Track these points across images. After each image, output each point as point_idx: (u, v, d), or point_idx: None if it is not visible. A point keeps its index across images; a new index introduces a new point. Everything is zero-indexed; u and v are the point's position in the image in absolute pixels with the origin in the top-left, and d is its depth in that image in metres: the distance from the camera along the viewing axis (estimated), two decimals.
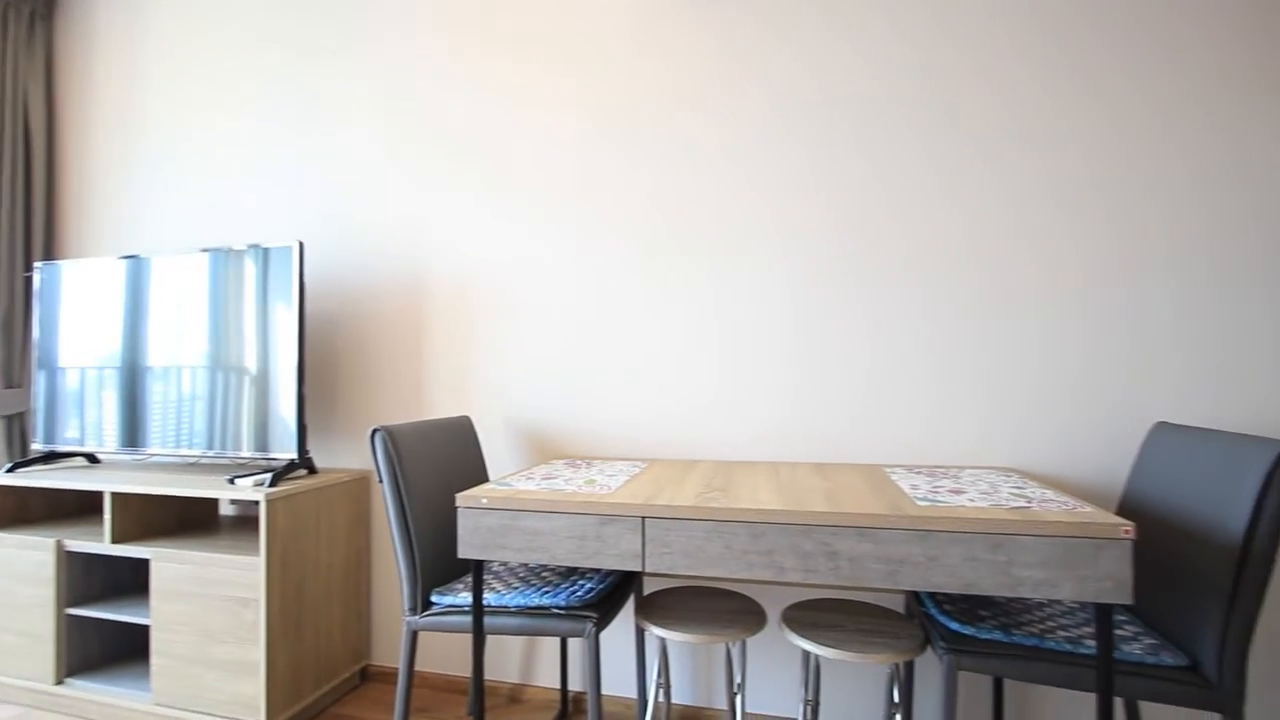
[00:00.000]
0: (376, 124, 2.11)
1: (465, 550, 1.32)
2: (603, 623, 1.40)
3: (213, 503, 2.18)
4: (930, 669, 1.66)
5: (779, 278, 1.79)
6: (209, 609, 1.73)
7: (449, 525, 1.63)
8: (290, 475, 1.88)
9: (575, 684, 1.93)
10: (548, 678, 1.95)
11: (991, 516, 1.10)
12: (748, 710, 1.79)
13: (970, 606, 1.34)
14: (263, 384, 1.87)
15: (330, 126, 2.16)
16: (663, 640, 1.43)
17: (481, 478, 1.86)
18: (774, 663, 1.77)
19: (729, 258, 1.82)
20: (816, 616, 1.38)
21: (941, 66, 1.69)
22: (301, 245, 1.83)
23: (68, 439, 2.10)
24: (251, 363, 1.89)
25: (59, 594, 1.88)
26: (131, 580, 2.07)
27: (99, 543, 1.84)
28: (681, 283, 1.86)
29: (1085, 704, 1.59)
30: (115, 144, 2.42)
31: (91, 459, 2.22)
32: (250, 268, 1.90)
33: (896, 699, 1.38)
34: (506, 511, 1.29)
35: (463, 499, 1.32)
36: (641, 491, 1.34)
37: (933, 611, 1.32)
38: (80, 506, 2.24)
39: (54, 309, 2.12)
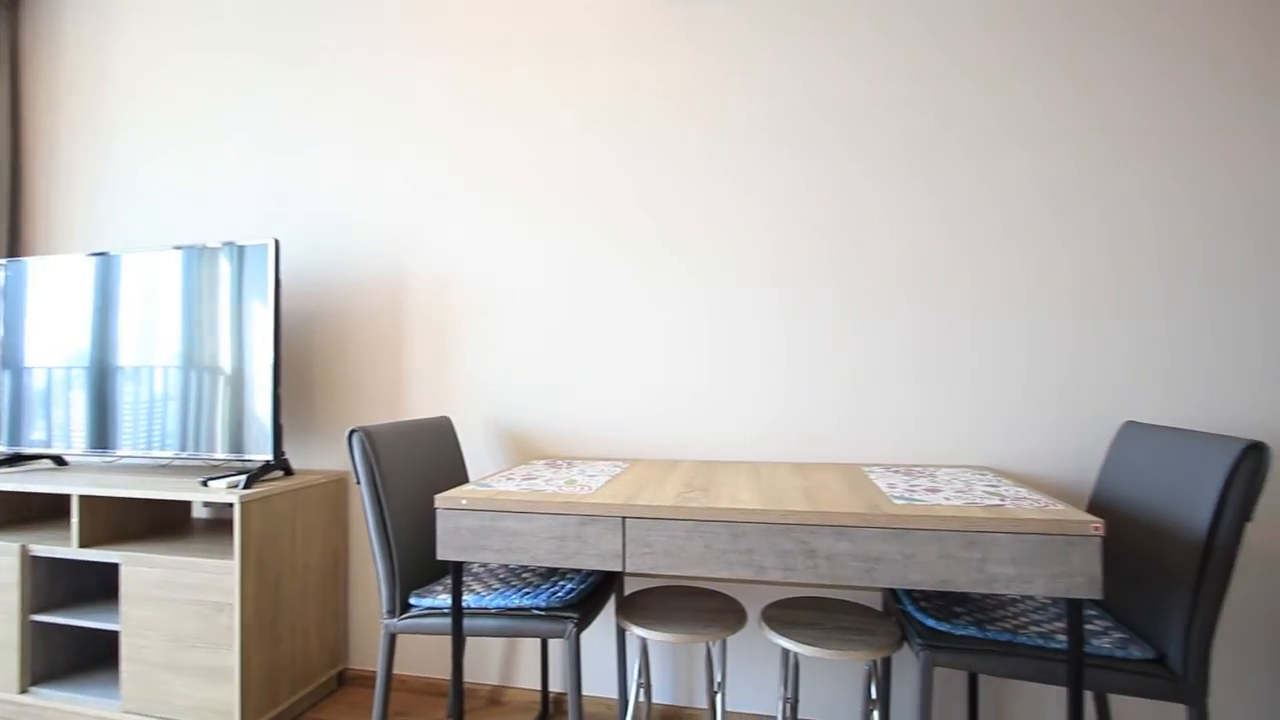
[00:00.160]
0: (356, 121, 2.09)
1: (444, 552, 1.31)
2: (583, 623, 1.40)
3: (185, 505, 2.13)
4: (907, 665, 1.69)
5: (763, 279, 1.80)
6: (181, 614, 1.69)
7: (428, 527, 1.62)
8: (266, 477, 1.85)
9: (556, 685, 1.92)
10: (528, 679, 1.95)
11: (966, 514, 1.12)
12: (728, 709, 1.80)
13: (946, 603, 1.36)
14: (238, 384, 1.84)
15: (308, 123, 2.13)
16: (643, 640, 1.44)
17: (461, 479, 1.85)
18: (754, 661, 1.79)
19: (714, 258, 1.83)
20: (796, 615, 1.40)
21: (929, 68, 1.71)
22: (277, 243, 1.81)
23: (33, 441, 2.04)
24: (226, 362, 1.85)
25: (23, 600, 1.83)
26: (100, 585, 2.02)
27: (66, 547, 1.79)
28: (665, 283, 1.86)
29: (1057, 697, 1.63)
30: (84, 141, 2.36)
31: (59, 461, 2.16)
32: (225, 265, 1.86)
33: (874, 695, 1.39)
34: (486, 512, 1.29)
35: (442, 500, 1.31)
36: (622, 492, 1.34)
37: (909, 608, 1.34)
38: (46, 510, 2.19)
39: (19, 307, 2.07)
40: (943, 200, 1.70)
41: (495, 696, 1.96)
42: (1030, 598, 1.40)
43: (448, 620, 1.43)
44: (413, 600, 1.49)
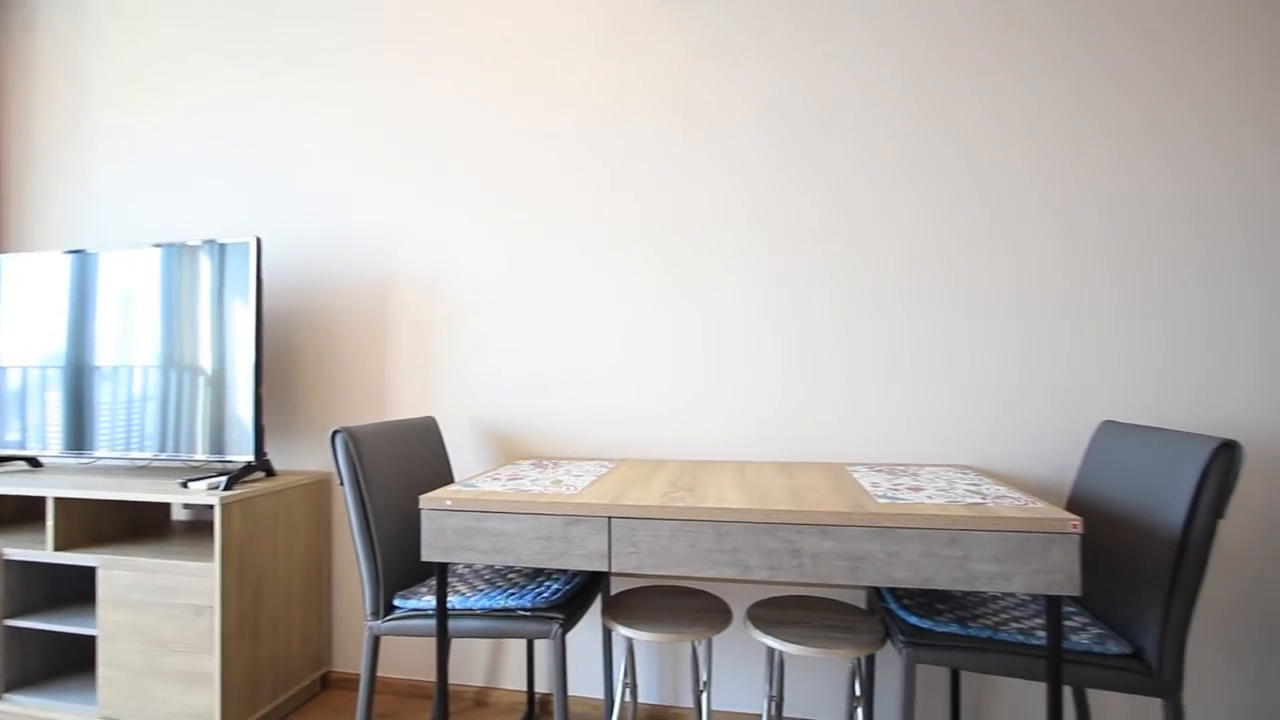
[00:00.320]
0: (341, 120, 2.07)
1: (429, 553, 1.30)
2: (569, 624, 1.40)
3: (164, 507, 2.10)
4: (891, 662, 1.70)
5: (751, 280, 1.81)
6: (160, 618, 1.67)
7: (413, 528, 1.61)
8: (247, 478, 1.83)
9: (542, 686, 1.92)
10: (514, 680, 1.94)
11: (948, 513, 1.13)
12: (713, 708, 1.80)
13: (928, 601, 1.37)
14: (218, 384, 1.82)
15: (290, 122, 2.11)
16: (629, 640, 1.44)
17: (447, 479, 1.83)
18: (739, 660, 1.79)
19: (701, 259, 1.84)
20: (781, 614, 1.40)
21: (920, 67, 1.73)
22: (259, 241, 1.78)
23: (8, 442, 2.00)
24: (207, 362, 1.83)
25: None
26: (76, 589, 1.99)
27: (40, 550, 1.76)
28: (653, 283, 1.86)
29: (1037, 692, 1.65)
30: (60, 136, 2.32)
31: (33, 463, 2.12)
32: (206, 264, 1.84)
33: (858, 692, 1.41)
34: (471, 513, 1.28)
35: (426, 501, 1.30)
36: (608, 491, 1.34)
37: (892, 606, 1.36)
38: (20, 513, 2.14)
39: None
40: (930, 203, 1.72)
41: (481, 698, 1.95)
42: (1011, 595, 1.42)
43: (432, 622, 1.42)
44: (397, 602, 1.48)
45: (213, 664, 1.63)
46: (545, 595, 1.41)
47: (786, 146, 1.79)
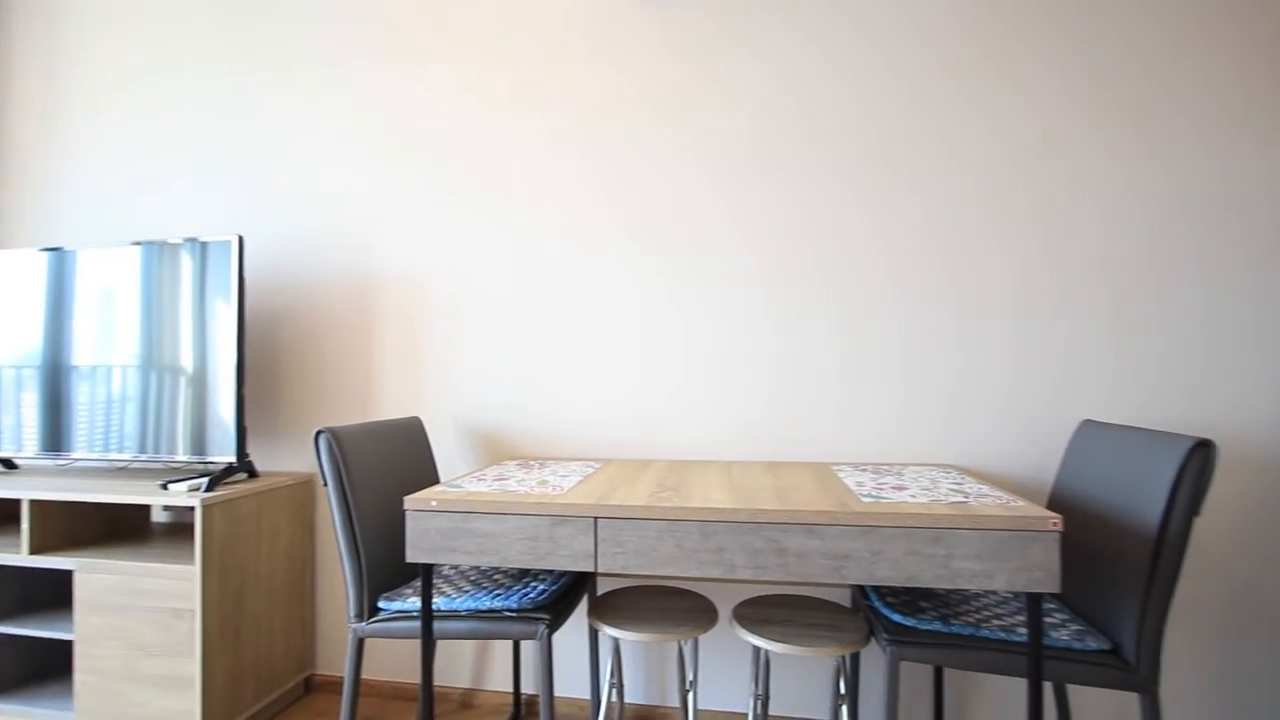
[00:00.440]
0: (325, 119, 2.05)
1: (414, 554, 1.29)
2: (555, 624, 1.39)
3: (144, 509, 2.07)
4: (875, 660, 1.72)
5: (736, 280, 1.81)
6: (139, 621, 1.64)
7: (397, 529, 1.60)
8: (229, 479, 1.81)
9: (528, 687, 1.91)
10: (500, 681, 1.93)
11: (931, 512, 1.14)
12: (700, 707, 1.81)
13: (912, 599, 1.38)
14: (200, 384, 1.79)
15: (274, 118, 2.08)
16: (616, 640, 1.44)
17: (432, 480, 1.82)
18: (726, 659, 1.80)
19: (688, 259, 1.84)
20: (767, 612, 1.41)
21: (909, 68, 1.74)
22: (241, 239, 1.76)
23: None
24: (188, 361, 1.80)
25: None
26: (52, 593, 1.95)
27: (15, 554, 1.72)
28: (638, 284, 1.86)
29: (1019, 687, 1.67)
30: (36, 131, 2.27)
31: (8, 464, 2.08)
32: (187, 262, 1.81)
33: (843, 690, 1.42)
34: (457, 514, 1.27)
35: (411, 502, 1.29)
36: (594, 492, 1.34)
37: (877, 604, 1.37)
38: None
39: None
40: (916, 204, 1.73)
41: (467, 700, 1.94)
42: (993, 592, 1.43)
43: (417, 623, 1.41)
44: (381, 604, 1.47)
45: (193, 668, 1.61)
46: (531, 596, 1.41)
47: (774, 146, 1.79)
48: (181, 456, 1.80)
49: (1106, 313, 1.64)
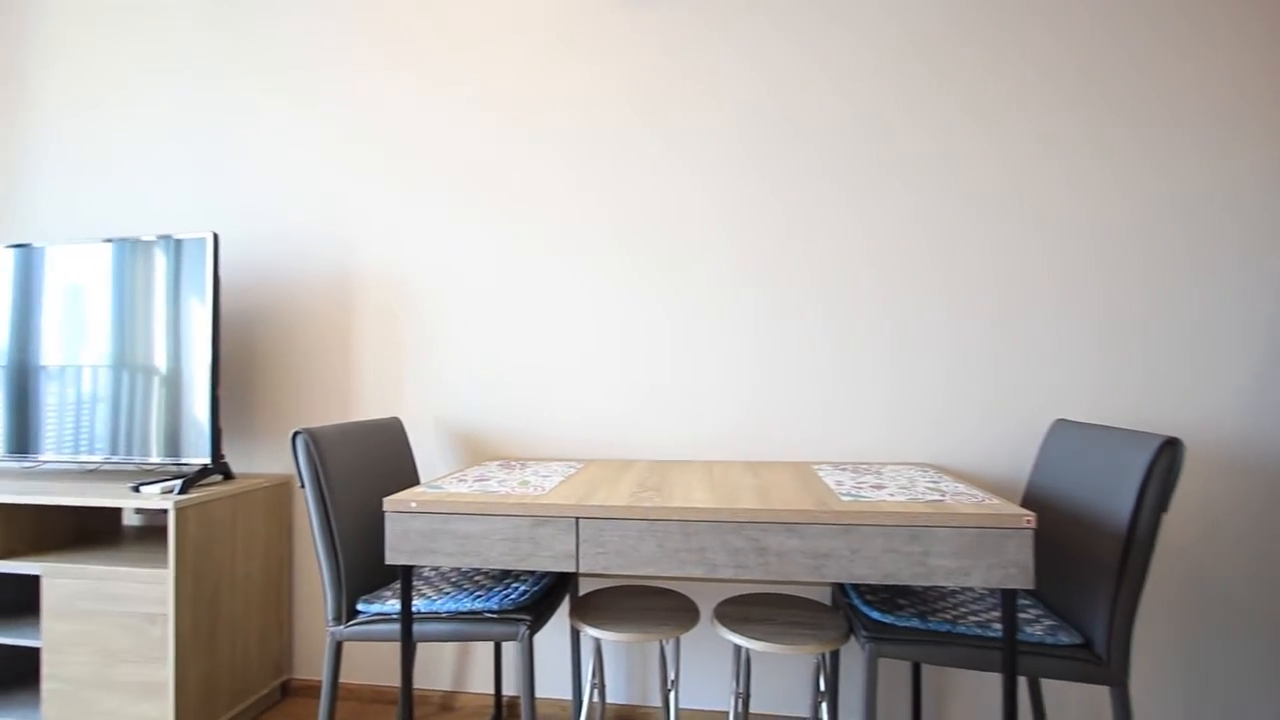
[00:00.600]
0: (302, 116, 2.02)
1: (393, 556, 1.28)
2: (537, 625, 1.39)
3: (115, 513, 2.02)
4: (855, 657, 1.73)
5: (718, 281, 1.82)
6: (110, 627, 1.60)
7: (376, 531, 1.58)
8: (203, 481, 1.78)
9: (510, 688, 1.90)
10: (481, 683, 1.92)
11: (909, 510, 1.16)
12: (681, 706, 1.81)
13: (890, 596, 1.40)
14: (174, 384, 1.76)
15: (252, 117, 2.05)
16: (597, 640, 1.44)
17: (412, 481, 1.81)
18: (707, 658, 1.81)
19: (670, 260, 1.84)
20: (747, 611, 1.42)
21: (892, 68, 1.76)
22: (216, 236, 1.73)
23: None
24: (161, 361, 1.77)
25: None
26: (18, 599, 1.90)
27: None
28: (620, 284, 1.86)
29: (995, 682, 1.70)
30: (2, 126, 2.21)
31: None
32: (160, 259, 1.78)
33: (823, 687, 1.43)
34: (437, 515, 1.26)
35: (390, 503, 1.28)
36: (575, 492, 1.34)
37: (856, 602, 1.38)
38: None
39: None
40: (899, 206, 1.75)
41: (447, 702, 1.93)
42: (969, 589, 1.46)
43: (396, 626, 1.40)
44: (360, 606, 1.46)
45: (166, 673, 1.58)
46: (512, 597, 1.40)
47: (758, 146, 1.81)
48: (154, 458, 1.77)
49: (1080, 315, 1.68)
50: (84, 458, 1.81)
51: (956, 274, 1.72)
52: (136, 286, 1.79)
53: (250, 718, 1.85)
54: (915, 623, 1.27)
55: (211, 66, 2.08)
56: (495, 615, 1.38)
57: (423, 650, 1.95)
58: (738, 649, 1.42)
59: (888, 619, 1.29)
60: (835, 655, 1.63)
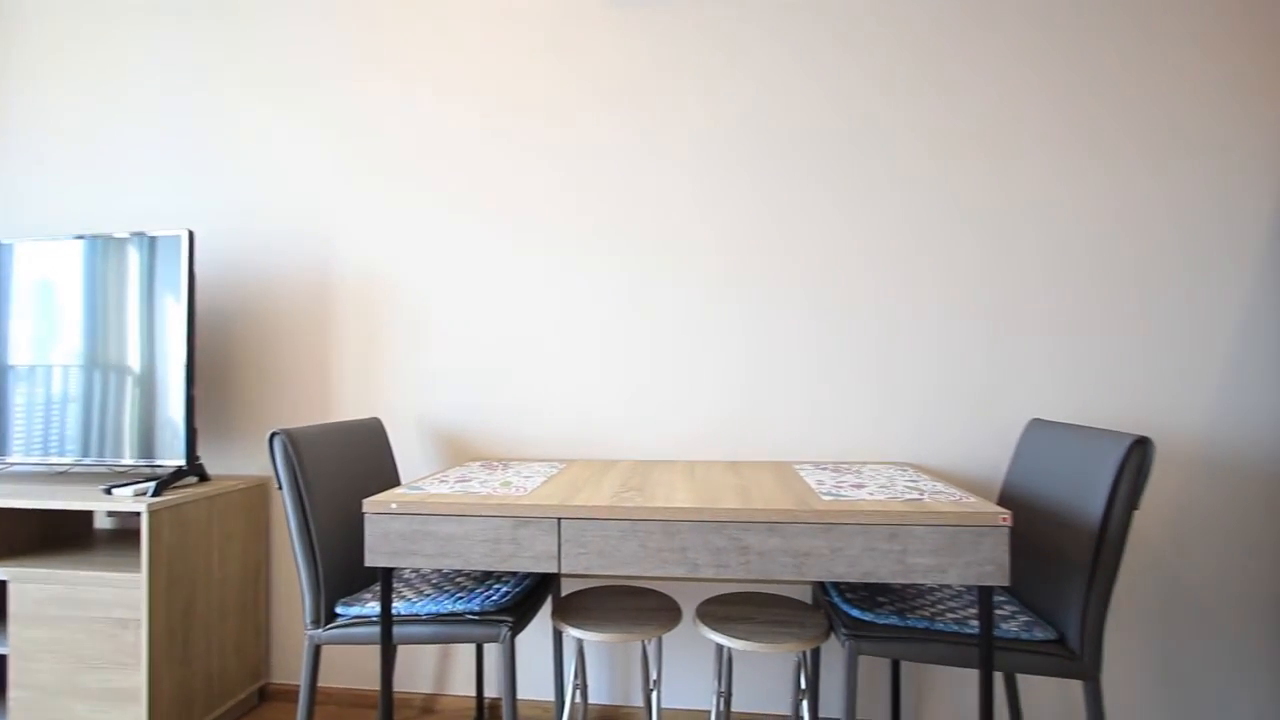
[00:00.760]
0: (280, 111, 1.99)
1: (373, 558, 1.26)
2: (518, 626, 1.38)
3: (86, 516, 1.98)
4: (835, 655, 1.75)
5: (700, 282, 1.83)
6: (81, 633, 1.57)
7: (356, 533, 1.56)
8: (178, 483, 1.74)
9: (491, 690, 1.89)
10: (462, 686, 1.91)
11: (888, 509, 1.17)
12: (664, 706, 1.81)
13: (870, 594, 1.42)
14: (148, 384, 1.73)
15: (231, 114, 2.02)
16: (579, 641, 1.43)
17: (393, 482, 1.79)
18: (690, 657, 1.81)
19: (654, 261, 1.85)
20: (729, 610, 1.43)
21: (880, 70, 1.78)
22: (191, 234, 1.70)
23: None
24: (134, 361, 1.73)
25: None
26: None
27: None
28: (604, 284, 1.86)
29: (972, 677, 1.72)
30: None
31: None
32: (134, 257, 1.74)
33: (804, 685, 1.44)
34: (417, 516, 1.25)
35: (370, 504, 1.27)
36: (558, 492, 1.33)
37: (836, 600, 1.40)
38: None
39: None
40: (881, 208, 1.77)
41: (428, 705, 1.91)
42: (947, 586, 1.48)
43: (376, 629, 1.38)
44: (339, 609, 1.44)
45: (139, 679, 1.54)
46: (494, 598, 1.40)
47: (743, 146, 1.81)
48: (127, 460, 1.73)
49: (1057, 315, 1.71)
50: (54, 459, 1.77)
51: (939, 276, 1.75)
52: (109, 284, 1.76)
53: None
54: (894, 620, 1.29)
55: (190, 63, 2.04)
56: (477, 617, 1.37)
57: (404, 652, 1.93)
58: (719, 648, 1.43)
59: (867, 617, 1.30)
60: (816, 653, 1.65)
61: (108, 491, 1.62)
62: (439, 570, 1.61)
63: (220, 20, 2.03)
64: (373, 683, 1.95)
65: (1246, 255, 1.65)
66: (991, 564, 1.13)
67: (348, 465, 1.60)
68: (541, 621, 1.87)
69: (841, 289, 1.78)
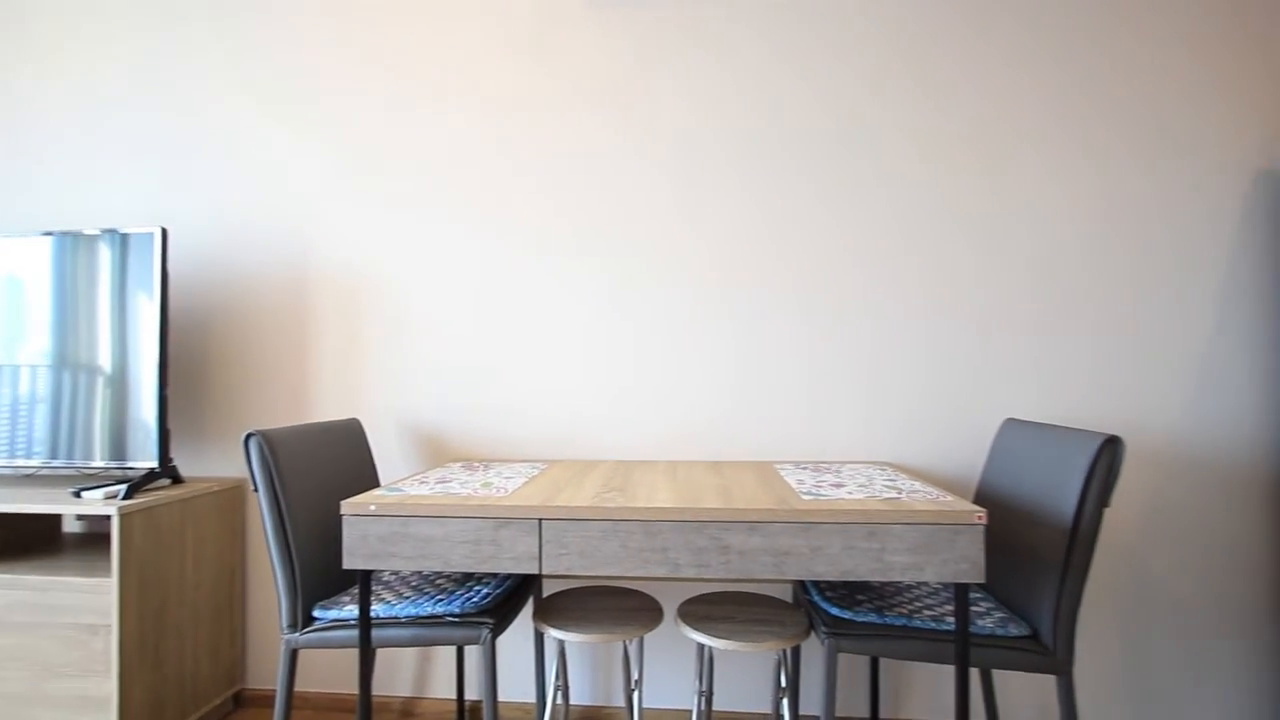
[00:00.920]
0: (261, 112, 1.96)
1: (351, 560, 1.25)
2: (499, 628, 1.38)
3: (54, 520, 1.93)
4: (815, 653, 1.76)
5: (683, 283, 1.83)
6: (48, 639, 1.53)
7: (334, 535, 1.54)
8: (150, 486, 1.71)
9: (472, 693, 1.88)
10: (443, 689, 1.89)
11: (866, 508, 1.18)
12: (645, 706, 1.82)
13: (849, 592, 1.43)
14: (119, 385, 1.69)
15: (208, 111, 1.98)
16: (561, 642, 1.43)
17: (372, 483, 1.77)
18: (671, 656, 1.82)
19: (635, 263, 1.85)
20: (710, 610, 1.43)
21: (869, 71, 1.80)
22: (165, 231, 1.67)
23: None
24: (105, 360, 1.70)
25: None
26: None
27: None
28: (586, 285, 1.86)
29: (949, 673, 1.75)
30: None
31: None
32: (105, 254, 1.70)
33: (784, 683, 1.45)
34: (396, 518, 1.24)
35: (348, 506, 1.25)
36: (539, 493, 1.33)
37: (816, 599, 1.41)
38: None
39: None
40: (865, 210, 1.79)
41: (408, 708, 1.89)
42: (924, 584, 1.50)
43: (354, 632, 1.37)
44: (316, 613, 1.42)
45: (109, 687, 1.51)
46: (475, 600, 1.39)
47: (729, 145, 1.82)
48: (98, 462, 1.69)
49: (1032, 316, 1.74)
50: (20, 462, 1.72)
51: (927, 276, 1.77)
52: (79, 282, 1.72)
53: None
54: (873, 618, 1.30)
55: (165, 58, 2.00)
56: (457, 619, 1.36)
57: (383, 655, 1.91)
58: (701, 647, 1.44)
59: (846, 614, 1.32)
60: (796, 651, 1.66)
61: (77, 494, 1.58)
62: (419, 572, 1.60)
63: (194, 17, 1.99)
64: (351, 687, 1.92)
65: (1224, 256, 1.69)
66: (967, 562, 1.15)
67: (325, 466, 1.58)
68: (523, 623, 1.86)
69: (829, 291, 1.79)
